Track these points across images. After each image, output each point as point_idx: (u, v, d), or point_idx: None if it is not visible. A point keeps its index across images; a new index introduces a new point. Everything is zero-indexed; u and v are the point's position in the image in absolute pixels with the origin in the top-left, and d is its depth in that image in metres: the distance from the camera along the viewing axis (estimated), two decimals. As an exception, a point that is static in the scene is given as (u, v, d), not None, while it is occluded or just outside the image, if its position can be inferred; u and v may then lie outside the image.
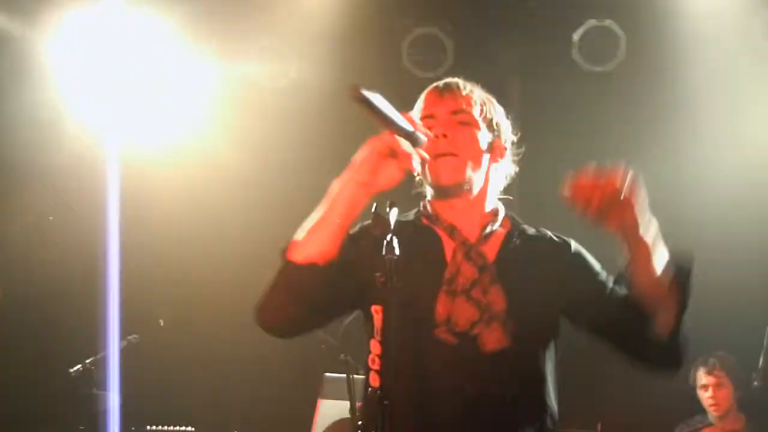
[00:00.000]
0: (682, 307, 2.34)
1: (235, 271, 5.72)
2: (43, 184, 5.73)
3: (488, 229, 2.42)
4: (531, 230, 2.51)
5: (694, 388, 5.23)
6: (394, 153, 2.21)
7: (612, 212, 2.25)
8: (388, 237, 2.16)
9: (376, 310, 2.19)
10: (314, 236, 2.24)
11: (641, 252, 2.32)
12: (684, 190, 5.68)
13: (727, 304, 5.42)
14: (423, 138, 2.25)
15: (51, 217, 5.86)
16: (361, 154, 2.25)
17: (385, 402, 2.08)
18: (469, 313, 2.29)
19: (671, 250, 2.39)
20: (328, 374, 4.54)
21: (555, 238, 2.53)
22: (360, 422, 2.22)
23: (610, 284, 2.47)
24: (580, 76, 5.76)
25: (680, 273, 2.36)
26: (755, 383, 4.90)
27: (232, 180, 5.68)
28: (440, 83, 2.46)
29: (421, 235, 2.36)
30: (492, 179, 2.46)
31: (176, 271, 5.66)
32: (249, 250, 5.69)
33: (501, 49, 5.93)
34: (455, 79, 2.47)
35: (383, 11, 5.77)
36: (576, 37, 5.70)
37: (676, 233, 5.86)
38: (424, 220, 2.43)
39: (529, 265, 2.38)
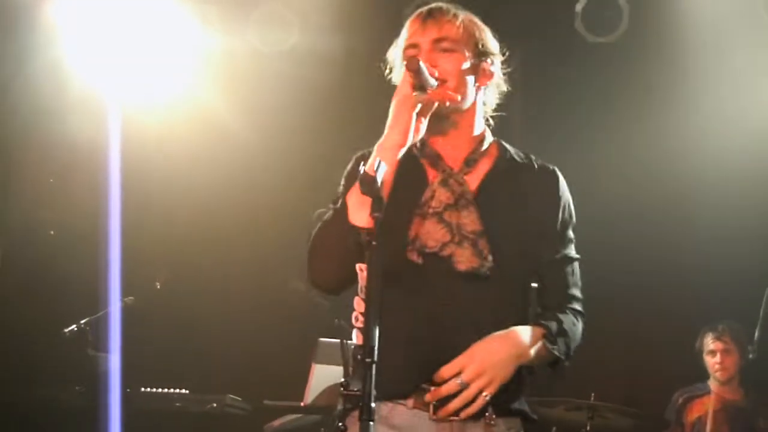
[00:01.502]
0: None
1: (234, 236, 5.74)
2: (46, 147, 5.74)
3: (472, 157, 2.42)
4: (519, 157, 2.53)
5: (700, 354, 5.25)
6: (421, 110, 2.26)
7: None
8: (376, 196, 2.17)
9: (361, 268, 2.21)
10: (365, 205, 2.16)
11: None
12: (687, 158, 5.67)
13: (726, 275, 5.43)
14: (435, 83, 2.29)
15: (51, 179, 5.86)
16: (393, 113, 2.26)
17: (367, 360, 2.09)
18: (439, 233, 2.31)
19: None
20: (322, 339, 4.55)
21: (543, 166, 2.55)
22: (342, 379, 2.20)
23: (564, 252, 2.52)
24: (583, 46, 5.72)
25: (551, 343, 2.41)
26: (751, 355, 4.93)
27: (234, 144, 5.68)
28: (424, 9, 2.44)
29: (407, 165, 2.34)
30: (479, 103, 2.47)
31: (174, 235, 5.67)
32: (249, 215, 5.71)
33: (503, 19, 5.84)
34: (439, 4, 2.45)
35: (385, -24, 5.74)
36: (579, 7, 5.65)
37: (679, 201, 5.90)
38: (413, 149, 2.40)
39: (513, 192, 2.40)
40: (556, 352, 2.40)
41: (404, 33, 2.44)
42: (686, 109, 5.62)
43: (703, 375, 5.29)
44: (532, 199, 2.44)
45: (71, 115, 5.46)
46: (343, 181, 2.44)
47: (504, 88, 2.53)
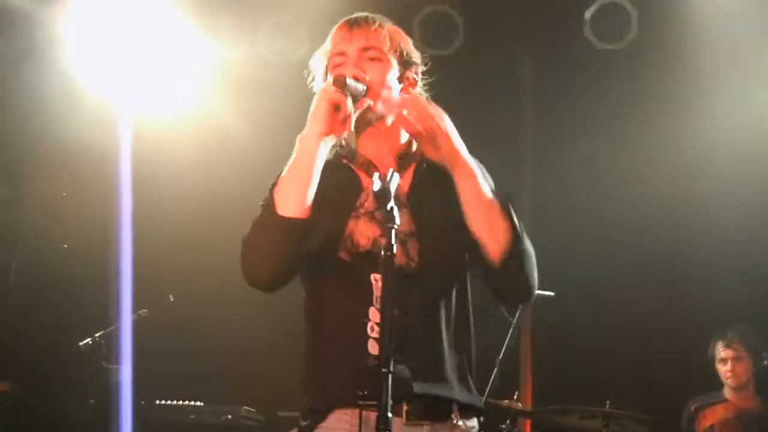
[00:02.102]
0: (511, 234, 2.36)
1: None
2: (57, 160, 5.76)
3: (401, 162, 2.47)
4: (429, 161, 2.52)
5: (712, 362, 5.24)
6: (339, 108, 2.34)
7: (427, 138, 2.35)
8: (389, 206, 2.20)
9: (376, 279, 2.23)
10: (293, 191, 2.34)
11: (465, 176, 2.36)
12: (698, 165, 5.66)
13: (741, 281, 5.42)
14: (364, 88, 2.38)
15: (64, 193, 5.89)
16: (314, 107, 2.37)
17: (384, 370, 2.11)
18: (370, 231, 2.37)
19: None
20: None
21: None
22: (364, 392, 2.22)
23: None
24: (592, 53, 5.73)
25: (503, 200, 2.39)
26: (766, 362, 4.92)
27: (242, 156, 5.68)
28: (350, 18, 2.51)
29: (340, 174, 2.45)
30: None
31: (187, 247, 5.68)
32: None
33: (513, 26, 5.90)
34: (364, 14, 2.52)
35: (394, -12, 5.75)
36: (588, 14, 5.66)
37: (691, 208, 5.89)
38: (343, 160, 2.49)
39: (438, 188, 2.41)
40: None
41: (329, 41, 2.51)
42: (697, 115, 5.62)
43: (718, 382, 5.27)
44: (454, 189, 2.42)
45: (82, 127, 5.48)
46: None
47: (425, 96, 2.56)
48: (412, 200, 2.41)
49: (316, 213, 2.33)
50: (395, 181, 2.25)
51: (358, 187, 2.44)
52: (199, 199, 5.68)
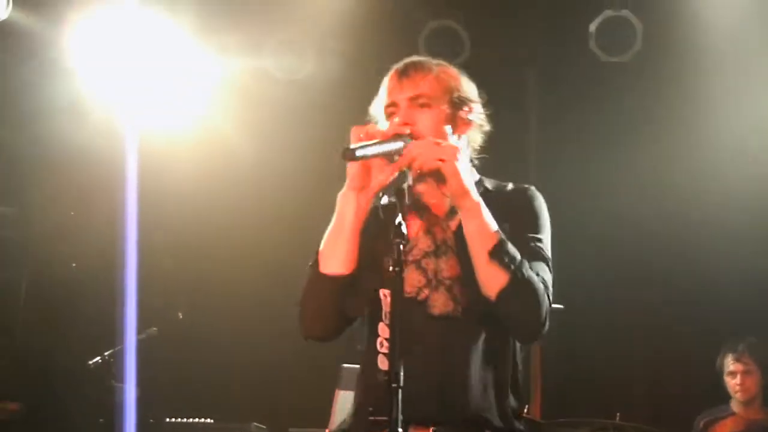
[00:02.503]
0: (505, 275, 2.32)
1: (252, 264, 5.75)
2: (64, 178, 5.78)
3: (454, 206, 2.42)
4: (491, 185, 2.56)
5: (721, 375, 5.22)
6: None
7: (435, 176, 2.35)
8: (397, 221, 2.22)
9: (385, 294, 2.24)
10: (335, 249, 2.41)
11: (470, 213, 2.34)
12: (704, 176, 5.66)
13: (751, 291, 5.41)
14: (405, 143, 2.36)
15: (72, 212, 5.90)
16: (349, 166, 2.39)
17: (393, 385, 2.11)
18: (415, 279, 2.40)
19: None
20: (345, 365, 4.55)
21: (516, 187, 2.58)
22: (371, 408, 2.24)
23: (532, 237, 2.48)
24: (597, 66, 5.74)
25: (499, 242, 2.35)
26: (774, 372, 4.90)
27: (249, 172, 5.71)
28: (400, 66, 2.51)
29: (392, 217, 2.37)
30: (464, 149, 2.49)
31: (194, 265, 5.70)
32: (266, 242, 5.73)
33: (518, 40, 5.92)
34: (414, 59, 2.53)
35: (400, 3, 5.77)
36: (593, 27, 5.67)
37: (699, 218, 5.88)
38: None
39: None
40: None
41: (383, 89, 2.52)
42: (703, 126, 5.62)
43: (727, 394, 5.25)
44: (506, 221, 2.42)
45: (89, 144, 5.50)
46: None
47: (486, 128, 2.57)
48: (457, 243, 2.40)
49: (369, 259, 2.39)
50: (402, 198, 2.27)
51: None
52: (206, 213, 5.70)
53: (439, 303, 2.38)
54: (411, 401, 2.12)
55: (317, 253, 2.45)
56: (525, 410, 4.75)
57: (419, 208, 2.47)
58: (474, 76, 6.26)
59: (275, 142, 5.71)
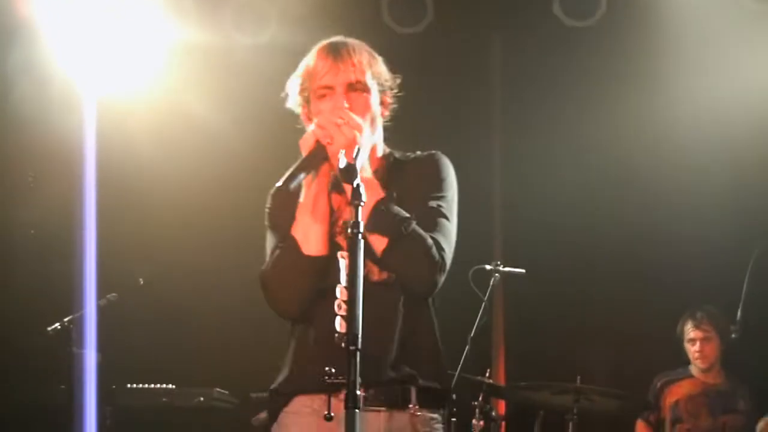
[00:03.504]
0: (387, 232, 2.48)
1: (214, 229, 5.71)
2: (22, 146, 5.69)
3: (378, 175, 2.60)
4: (399, 155, 2.71)
5: (680, 340, 5.29)
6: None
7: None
8: (355, 183, 2.22)
9: (342, 256, 2.25)
10: (312, 231, 2.53)
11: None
12: (665, 142, 5.70)
13: (707, 257, 5.46)
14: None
15: (30, 179, 5.82)
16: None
17: (352, 347, 2.12)
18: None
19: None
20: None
21: (421, 154, 2.72)
22: (327, 368, 2.27)
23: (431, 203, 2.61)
24: (561, 31, 5.73)
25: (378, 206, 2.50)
26: (733, 335, 4.96)
27: (209, 137, 5.65)
28: (328, 47, 2.63)
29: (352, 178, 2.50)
30: (380, 126, 2.68)
31: (155, 230, 5.64)
32: (228, 208, 5.69)
33: (482, 4, 5.89)
34: (342, 41, 2.65)
35: (363, -32, 5.73)
36: (556, -9, 5.66)
37: (658, 185, 5.94)
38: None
39: (400, 190, 2.57)
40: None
41: (310, 66, 2.63)
42: (665, 92, 5.65)
43: (686, 357, 5.32)
44: (413, 185, 2.60)
45: (48, 112, 5.41)
46: (268, 221, 2.68)
47: (393, 106, 2.72)
48: None
49: None
50: (361, 158, 2.34)
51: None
52: (168, 181, 5.64)
53: (375, 271, 2.51)
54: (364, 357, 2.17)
55: (289, 233, 2.53)
56: (487, 374, 4.81)
57: (339, 183, 2.56)
58: (438, 41, 6.26)
59: (236, 107, 5.65)
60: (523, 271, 4.92)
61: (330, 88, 2.58)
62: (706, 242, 5.50)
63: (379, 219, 2.46)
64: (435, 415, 2.55)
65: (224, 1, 5.67)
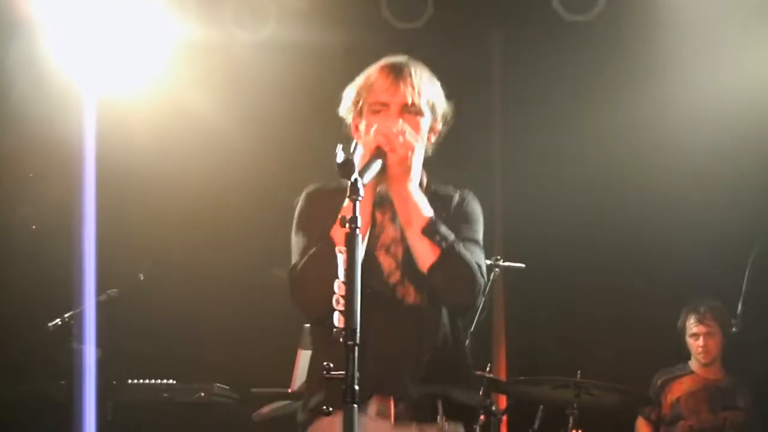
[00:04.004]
0: (438, 248, 2.56)
1: (215, 224, 5.73)
2: (23, 142, 5.70)
3: None
4: (437, 188, 2.79)
5: (682, 334, 5.29)
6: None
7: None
8: (353, 178, 2.22)
9: (341, 251, 2.25)
10: None
11: (403, 201, 2.58)
12: (667, 136, 5.69)
13: (709, 252, 5.46)
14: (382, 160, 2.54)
15: (31, 174, 5.82)
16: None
17: (350, 342, 2.13)
18: (386, 264, 2.63)
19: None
20: (307, 325, 4.54)
21: (451, 193, 2.80)
22: (325, 363, 2.25)
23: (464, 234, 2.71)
24: (561, 25, 5.72)
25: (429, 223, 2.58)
26: (734, 329, 4.97)
27: (213, 133, 5.66)
28: (391, 65, 2.69)
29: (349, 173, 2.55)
30: (421, 155, 2.69)
31: (156, 225, 5.65)
32: (229, 203, 5.70)
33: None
34: (406, 61, 2.72)
35: (362, -38, 5.73)
36: (557, -15, 5.65)
37: (660, 179, 5.94)
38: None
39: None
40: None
41: (370, 80, 2.69)
42: (666, 85, 5.64)
43: (686, 353, 5.32)
44: (451, 218, 2.68)
45: (48, 108, 5.41)
46: (299, 220, 2.71)
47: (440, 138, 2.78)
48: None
49: None
50: (359, 153, 2.41)
51: (370, 220, 2.61)
52: (168, 177, 5.64)
53: (410, 296, 2.60)
54: (378, 374, 2.32)
55: (328, 233, 2.53)
56: (487, 369, 4.81)
57: (381, 199, 2.65)
58: (438, 35, 6.25)
59: (236, 104, 5.65)
60: (523, 266, 4.92)
61: (386, 105, 2.64)
62: (706, 237, 5.49)
63: (431, 235, 2.54)
64: (461, 428, 2.64)
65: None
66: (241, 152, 5.62)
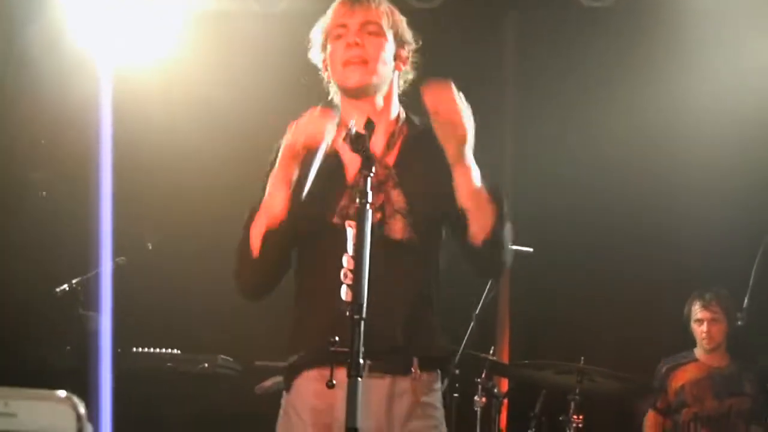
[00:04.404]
0: (495, 221, 2.54)
1: (223, 196, 5.71)
2: (35, 108, 5.70)
3: (391, 140, 2.66)
4: (418, 123, 2.71)
5: (687, 321, 5.29)
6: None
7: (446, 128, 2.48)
8: (366, 154, 2.23)
9: (350, 225, 2.27)
10: (261, 219, 2.64)
11: (464, 172, 2.52)
12: (680, 124, 5.67)
13: (716, 241, 5.45)
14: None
15: (43, 141, 5.83)
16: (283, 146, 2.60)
17: (356, 316, 2.13)
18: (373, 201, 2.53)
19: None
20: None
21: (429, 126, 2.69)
22: (335, 339, 2.24)
23: None
24: (579, 11, 5.69)
25: (495, 190, 2.57)
26: (739, 322, 4.96)
27: (225, 104, 5.65)
28: None
29: (331, 159, 2.61)
30: (395, 86, 2.71)
31: (165, 195, 5.66)
32: (238, 176, 5.68)
33: (499, -16, 5.87)
34: None
35: (379, -61, 5.68)
36: (575, -30, 5.62)
37: (670, 166, 5.91)
38: (335, 145, 2.60)
39: (423, 162, 2.61)
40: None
41: (329, 14, 2.68)
42: (683, 74, 5.60)
43: (692, 341, 5.32)
44: (439, 158, 2.56)
45: (61, 75, 5.42)
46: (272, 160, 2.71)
47: (410, 76, 2.74)
48: (399, 172, 2.60)
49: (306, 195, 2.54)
50: (371, 129, 2.34)
51: (353, 167, 2.55)
52: (179, 147, 5.64)
53: (397, 229, 2.55)
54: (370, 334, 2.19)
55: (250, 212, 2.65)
56: (491, 352, 4.83)
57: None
58: (454, 16, 6.22)
59: (252, 75, 5.64)
60: (531, 250, 4.92)
61: (344, 26, 2.62)
62: (715, 228, 5.48)
63: (499, 207, 2.52)
64: (433, 378, 2.62)
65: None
66: (254, 125, 5.62)
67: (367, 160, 2.24)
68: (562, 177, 5.72)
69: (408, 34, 2.70)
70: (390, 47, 2.64)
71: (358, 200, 2.22)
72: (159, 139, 5.63)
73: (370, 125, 2.34)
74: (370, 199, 2.21)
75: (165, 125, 5.63)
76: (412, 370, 2.54)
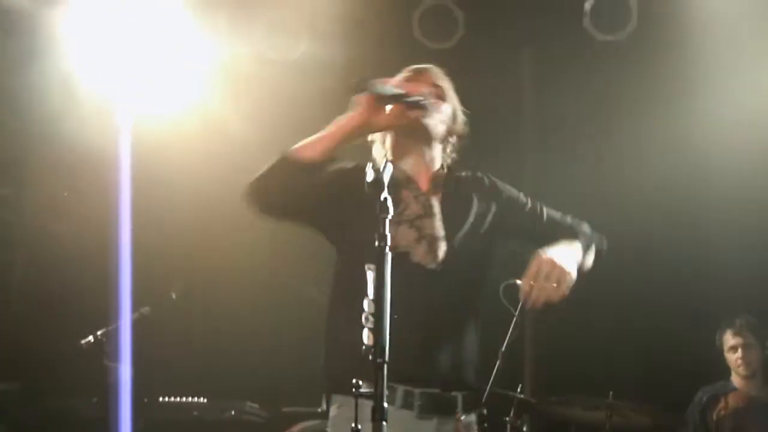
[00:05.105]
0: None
1: (247, 244, 5.74)
2: (58, 160, 5.76)
3: (435, 182, 2.87)
4: (461, 173, 2.95)
5: (721, 352, 5.22)
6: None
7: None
8: (383, 197, 2.24)
9: (370, 268, 2.26)
10: (316, 144, 2.83)
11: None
12: (701, 153, 5.65)
13: (744, 270, 5.41)
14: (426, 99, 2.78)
15: (66, 193, 5.89)
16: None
17: (379, 360, 2.13)
18: (410, 236, 2.73)
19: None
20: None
21: (478, 176, 2.99)
22: (358, 381, 2.26)
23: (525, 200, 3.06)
24: (592, 45, 5.72)
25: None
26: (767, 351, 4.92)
27: (243, 152, 5.66)
28: (419, 66, 2.92)
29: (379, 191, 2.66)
30: (441, 146, 2.92)
31: (188, 245, 5.68)
32: (260, 224, 5.70)
33: (512, 19, 5.89)
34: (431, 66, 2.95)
35: (393, -18, 5.75)
36: (588, 6, 5.65)
37: (694, 195, 5.88)
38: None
39: (464, 203, 2.84)
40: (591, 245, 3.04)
41: (399, 80, 2.87)
42: (698, 104, 5.60)
43: (722, 372, 5.25)
44: (475, 203, 2.86)
45: (82, 127, 5.47)
46: None
47: (454, 156, 2.96)
48: (443, 209, 2.79)
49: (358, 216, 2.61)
50: (388, 173, 2.35)
51: (397, 198, 2.62)
52: (200, 195, 5.67)
53: (419, 253, 2.70)
54: (407, 359, 2.35)
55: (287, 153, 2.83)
56: (518, 390, 4.78)
57: (405, 180, 2.82)
58: (469, 56, 6.25)
59: (269, 123, 5.68)
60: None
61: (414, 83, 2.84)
62: (746, 252, 5.45)
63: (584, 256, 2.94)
64: (472, 419, 2.74)
65: (256, 17, 5.70)
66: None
67: (385, 204, 2.25)
68: (582, 210, 5.69)
69: (460, 117, 2.93)
70: (447, 110, 2.87)
71: (377, 242, 2.22)
72: (180, 188, 5.67)
73: (386, 167, 2.34)
74: (389, 242, 2.21)
75: (185, 173, 5.67)
76: (457, 412, 2.66)
